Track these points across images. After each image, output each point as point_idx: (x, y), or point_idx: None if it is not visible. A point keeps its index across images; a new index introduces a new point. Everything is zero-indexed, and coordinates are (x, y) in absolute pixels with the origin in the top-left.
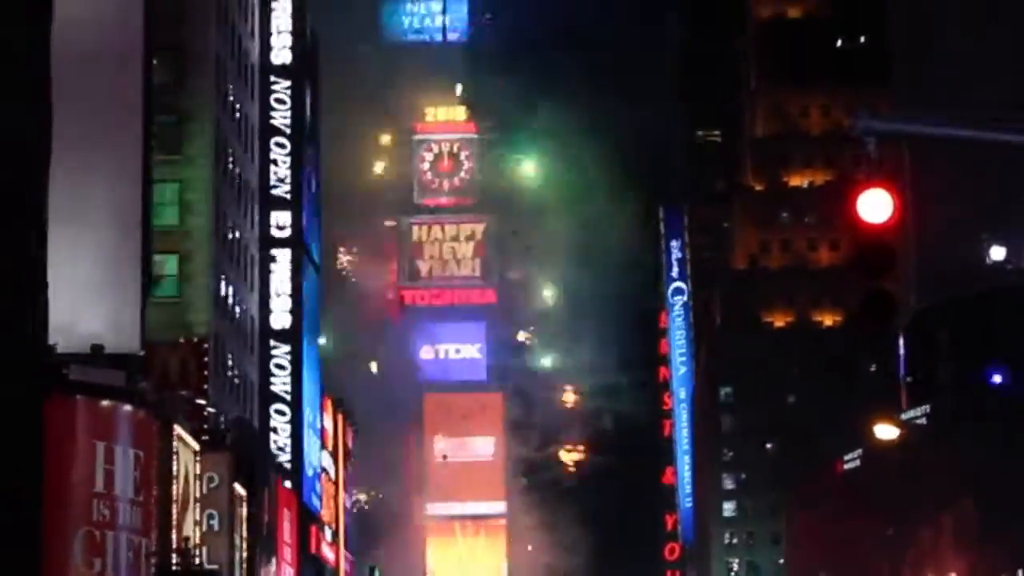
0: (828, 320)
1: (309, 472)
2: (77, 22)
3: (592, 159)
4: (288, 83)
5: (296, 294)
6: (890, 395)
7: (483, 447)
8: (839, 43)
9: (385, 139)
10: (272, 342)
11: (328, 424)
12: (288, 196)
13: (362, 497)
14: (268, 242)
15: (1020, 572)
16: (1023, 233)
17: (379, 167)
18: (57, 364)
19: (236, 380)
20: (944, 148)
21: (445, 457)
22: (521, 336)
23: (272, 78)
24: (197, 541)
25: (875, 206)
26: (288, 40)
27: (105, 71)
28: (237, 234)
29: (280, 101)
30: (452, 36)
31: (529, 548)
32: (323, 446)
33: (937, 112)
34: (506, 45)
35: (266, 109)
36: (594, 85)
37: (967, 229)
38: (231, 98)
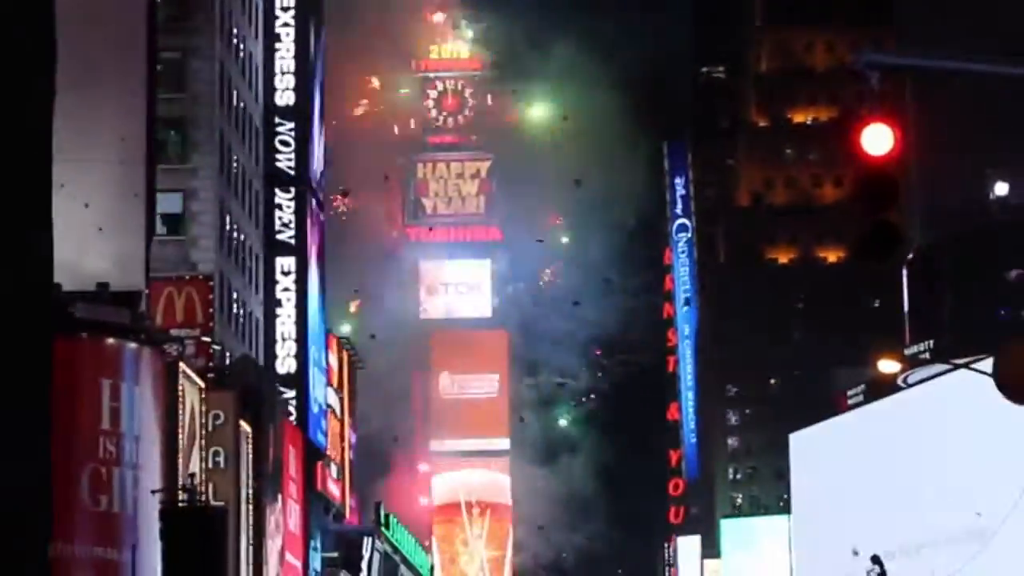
0: (832, 256)
1: (315, 409)
2: None
3: (597, 95)
4: (291, 17)
5: (300, 232)
6: (894, 330)
7: (488, 384)
8: None
9: (388, 77)
10: (277, 279)
11: (333, 361)
12: (292, 134)
13: (366, 433)
14: (273, 180)
15: None
16: None
17: (382, 105)
18: (62, 302)
19: (241, 318)
20: (947, 85)
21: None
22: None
23: (276, 13)
24: (203, 478)
25: (877, 139)
26: None
27: (109, 4)
28: (242, 171)
29: (284, 37)
30: None
31: (535, 483)
32: (328, 383)
33: (940, 49)
34: None
35: (270, 45)
36: (598, 20)
37: (970, 165)
38: (235, 36)
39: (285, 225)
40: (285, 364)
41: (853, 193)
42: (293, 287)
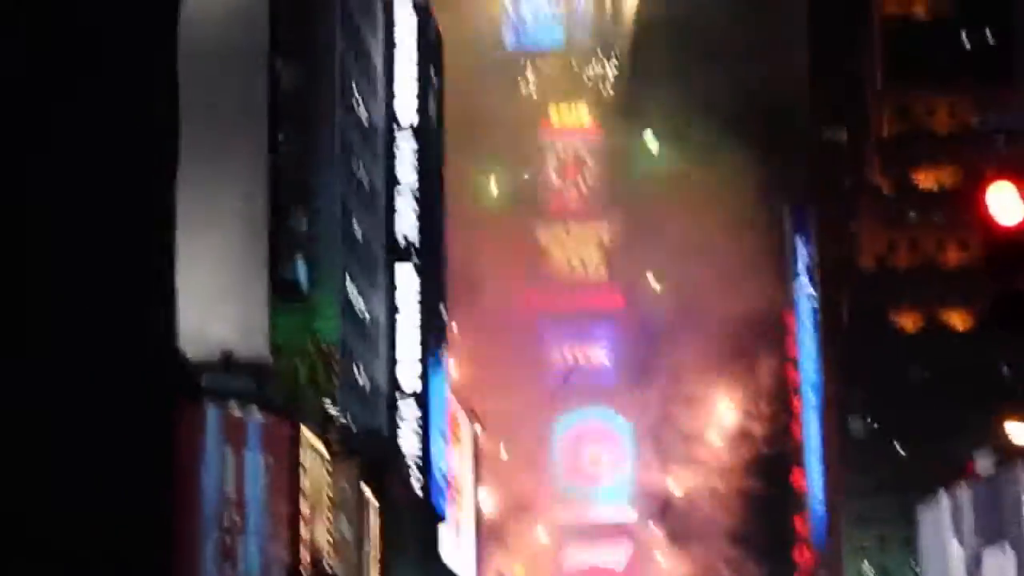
0: (959, 322)
1: (438, 477)
2: (202, 21)
3: (719, 161)
4: (414, 75)
5: (424, 302)
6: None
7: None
8: (965, 42)
9: (510, 145)
10: (399, 349)
11: (459, 430)
12: (416, 206)
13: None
14: (394, 249)
15: None
16: None
17: (505, 175)
18: (188, 371)
19: (365, 387)
20: None
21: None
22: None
23: (395, 74)
24: (328, 549)
25: (1006, 205)
26: (412, 39)
27: (230, 72)
28: (365, 238)
29: (405, 99)
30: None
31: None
32: (451, 450)
33: None
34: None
35: (390, 107)
36: (720, 83)
37: None
38: (356, 100)
39: (407, 296)
40: (409, 435)
41: (982, 261)
42: (417, 355)
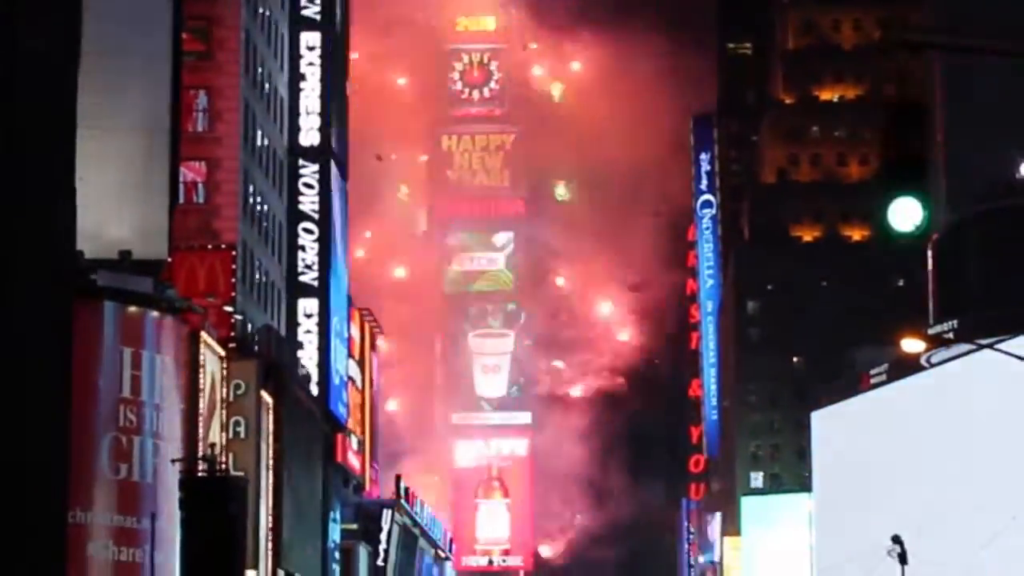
0: (857, 235)
1: (336, 380)
2: None
3: (623, 71)
4: None
5: (324, 202)
6: (918, 310)
7: (504, 344)
8: None
9: (415, 49)
10: (300, 251)
11: (355, 333)
12: (317, 105)
13: (389, 407)
14: (297, 150)
15: None
16: None
17: (408, 78)
18: (84, 270)
19: (264, 288)
20: (974, 66)
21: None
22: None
23: None
24: (223, 448)
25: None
26: None
27: None
28: (266, 141)
29: (310, 3)
30: None
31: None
32: (350, 355)
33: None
34: None
35: (296, 12)
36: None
37: (996, 145)
38: (260, 3)
39: (306, 195)
40: (307, 335)
41: (884, 120)
42: (316, 258)
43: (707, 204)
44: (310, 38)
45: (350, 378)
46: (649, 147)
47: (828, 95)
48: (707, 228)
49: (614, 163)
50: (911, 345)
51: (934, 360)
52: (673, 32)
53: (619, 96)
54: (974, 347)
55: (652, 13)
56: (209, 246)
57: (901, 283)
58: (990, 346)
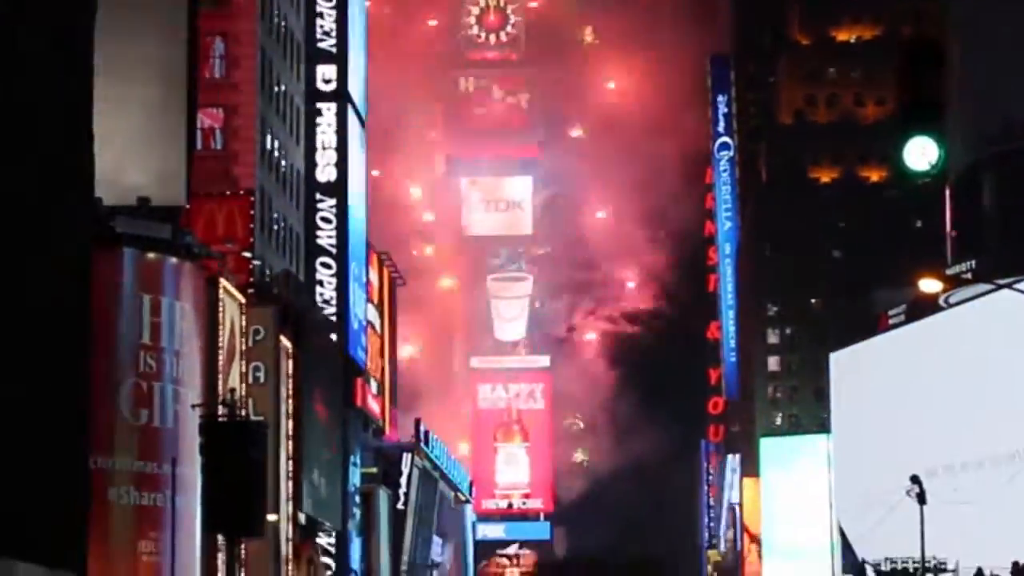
0: (875, 176)
1: (355, 325)
2: None
3: (640, 14)
4: None
5: (342, 147)
6: (936, 251)
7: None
8: None
9: None
10: (318, 195)
11: (374, 278)
12: (334, 49)
13: (408, 351)
14: (314, 96)
15: None
16: None
17: (425, 22)
18: (103, 216)
19: (282, 234)
20: (991, 5)
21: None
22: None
23: None
24: (243, 393)
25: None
26: None
27: None
28: (283, 87)
29: None
30: None
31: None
32: (368, 299)
33: None
34: None
35: None
36: None
37: (1013, 85)
38: None
39: (325, 142)
40: (326, 279)
41: (899, 60)
42: (334, 203)
43: (724, 146)
44: None
45: (369, 322)
46: (667, 89)
47: (845, 36)
48: (724, 170)
49: (631, 105)
50: (929, 285)
51: (952, 300)
52: None
53: (636, 38)
54: (992, 287)
55: None
56: (227, 192)
57: (919, 224)
58: (1008, 286)
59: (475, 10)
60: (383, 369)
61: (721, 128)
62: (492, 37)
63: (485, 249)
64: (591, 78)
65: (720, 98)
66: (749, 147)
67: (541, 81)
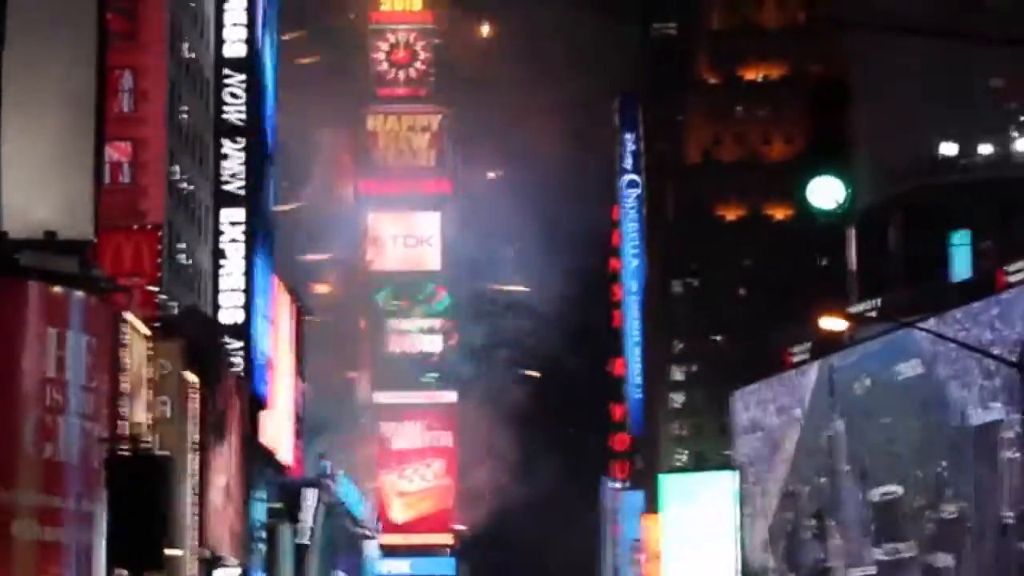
0: (780, 214)
1: (260, 360)
2: None
3: (548, 52)
4: None
5: (249, 183)
6: (841, 289)
7: (430, 341)
8: None
9: (341, 28)
10: (225, 229)
11: (281, 311)
12: (244, 85)
13: (314, 385)
14: (222, 130)
15: None
16: (973, 129)
17: (333, 58)
18: (9, 250)
19: (189, 269)
20: (893, 45)
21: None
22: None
23: None
24: (148, 427)
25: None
26: None
27: None
28: (192, 121)
29: None
30: None
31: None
32: (274, 333)
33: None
34: None
35: None
36: None
37: (919, 125)
38: None
39: (233, 175)
40: (231, 315)
41: (807, 99)
42: (241, 238)
43: (632, 184)
44: (236, 14)
45: (274, 357)
46: (574, 127)
47: (752, 75)
48: (631, 207)
49: (539, 143)
50: (832, 324)
51: (856, 338)
52: (598, 12)
53: (543, 77)
54: (896, 325)
55: None
56: (135, 226)
57: (824, 262)
58: (911, 324)
59: (384, 46)
60: (287, 404)
61: (628, 165)
62: (401, 73)
63: (392, 284)
64: (500, 115)
65: (627, 135)
66: (656, 184)
67: (451, 117)
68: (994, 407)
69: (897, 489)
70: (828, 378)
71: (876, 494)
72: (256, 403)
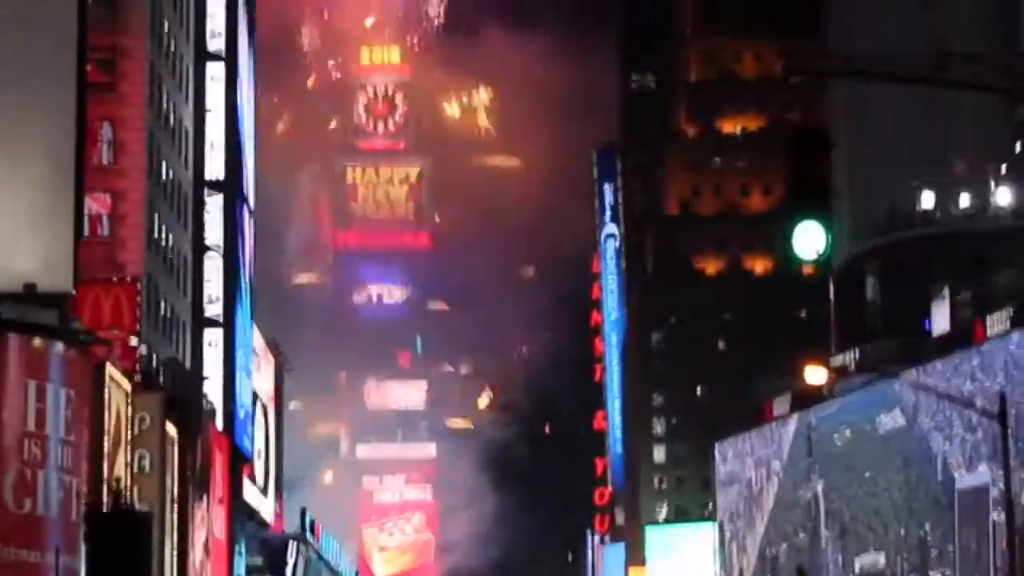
0: (760, 267)
1: (241, 414)
2: None
3: (527, 102)
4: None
5: (228, 235)
6: (820, 341)
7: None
8: None
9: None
10: (205, 282)
11: (262, 365)
12: (223, 137)
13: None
14: (202, 183)
15: None
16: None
17: (313, 111)
18: None
19: (169, 321)
20: (873, 97)
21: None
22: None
23: (209, 9)
24: (128, 482)
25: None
26: None
27: (38, 3)
28: (171, 174)
29: (215, 34)
30: None
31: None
32: (255, 388)
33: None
34: None
35: (201, 44)
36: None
37: (898, 176)
38: (166, 36)
39: (213, 227)
40: (212, 367)
41: (787, 146)
42: (221, 291)
43: (611, 236)
44: (215, 70)
45: (255, 410)
46: (553, 178)
47: (730, 127)
48: (611, 260)
49: (518, 195)
50: (813, 375)
51: (836, 391)
52: (576, 64)
53: (522, 128)
54: (874, 377)
55: (554, 45)
56: (114, 279)
57: (803, 314)
58: (893, 375)
59: (363, 99)
60: (269, 458)
61: (607, 217)
62: (380, 126)
63: (371, 338)
64: (480, 168)
65: (606, 187)
66: (635, 237)
67: (429, 170)
68: (980, 470)
69: (879, 559)
70: (807, 436)
71: (858, 565)
72: (238, 457)
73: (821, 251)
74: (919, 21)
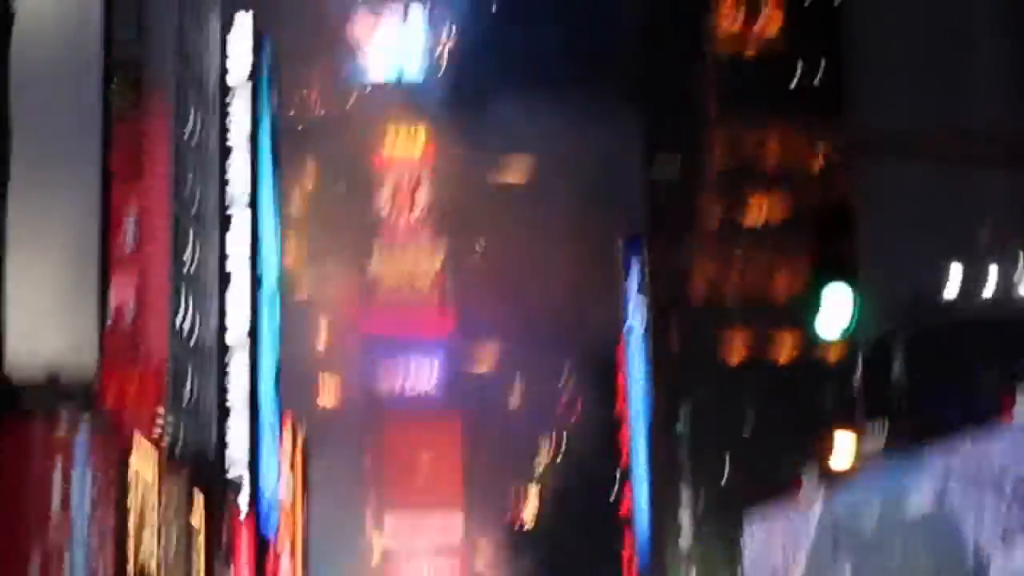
0: (784, 353)
1: (268, 500)
2: (36, 36)
3: (550, 191)
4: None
5: (253, 324)
6: (847, 424)
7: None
8: (797, 76)
9: (346, 172)
10: (230, 369)
11: (287, 447)
12: (248, 225)
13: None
14: (225, 269)
15: None
16: (982, 264)
17: (335, 200)
18: (13, 390)
19: (195, 405)
20: (900, 173)
21: None
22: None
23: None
24: (154, 567)
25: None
26: (247, 58)
27: (63, 89)
28: (197, 261)
29: (238, 115)
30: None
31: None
32: (280, 474)
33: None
34: (464, 81)
35: (224, 133)
36: (553, 118)
37: (923, 260)
38: (191, 117)
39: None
40: (238, 453)
41: (813, 224)
42: (246, 377)
43: (636, 325)
44: (239, 156)
45: (280, 497)
46: (577, 268)
47: (756, 214)
48: (636, 349)
49: (542, 284)
50: (840, 458)
51: (864, 473)
52: (600, 154)
53: (546, 217)
54: (902, 458)
55: (576, 134)
56: (139, 365)
57: (829, 399)
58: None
59: (386, 192)
60: (294, 542)
61: (632, 306)
62: (403, 217)
63: (397, 419)
64: (504, 259)
65: (632, 277)
66: (660, 325)
67: (455, 259)
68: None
69: None
70: (832, 521)
71: None
72: (263, 543)
73: (846, 327)
74: (944, 101)
